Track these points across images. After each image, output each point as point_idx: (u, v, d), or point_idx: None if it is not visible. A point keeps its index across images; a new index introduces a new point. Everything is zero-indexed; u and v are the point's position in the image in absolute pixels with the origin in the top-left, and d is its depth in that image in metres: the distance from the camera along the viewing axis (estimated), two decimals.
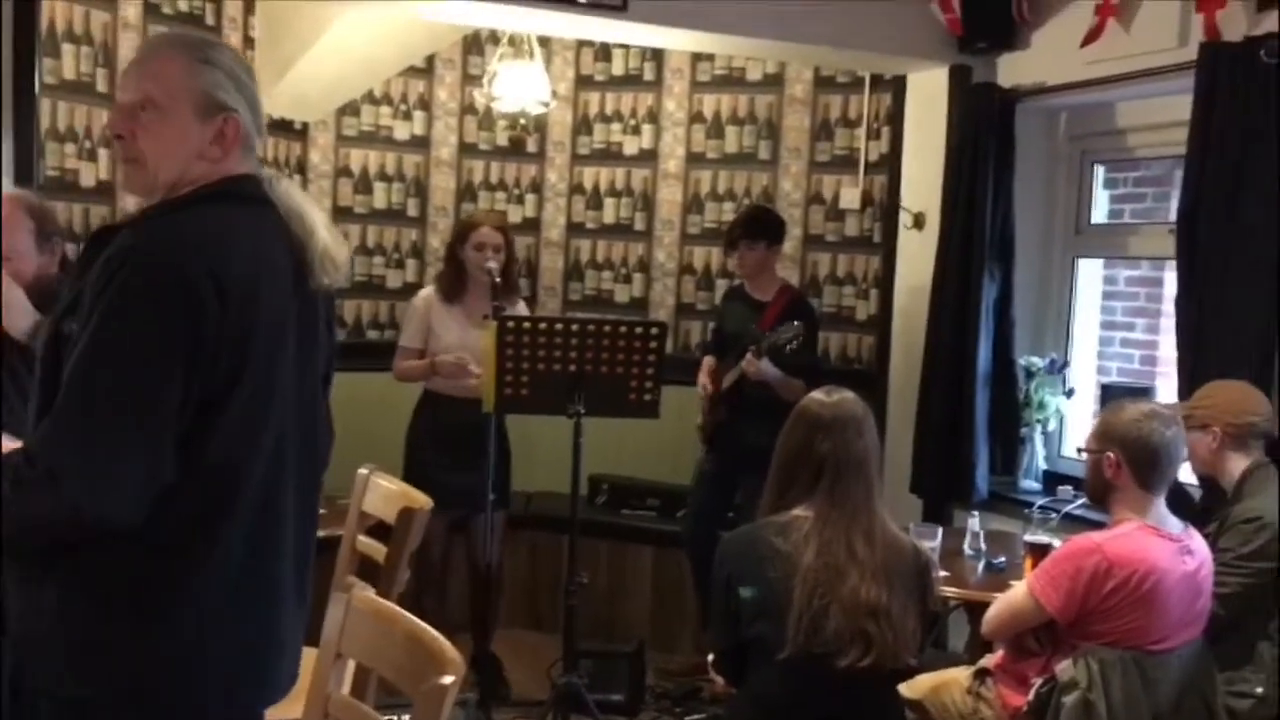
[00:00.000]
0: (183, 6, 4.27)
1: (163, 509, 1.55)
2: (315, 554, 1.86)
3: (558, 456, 3.51)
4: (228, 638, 1.64)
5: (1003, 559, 3.45)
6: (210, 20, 4.41)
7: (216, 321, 1.54)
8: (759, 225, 4.36)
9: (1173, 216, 3.52)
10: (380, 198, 5.17)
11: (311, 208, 1.73)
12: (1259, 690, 2.80)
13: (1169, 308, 3.63)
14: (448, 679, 1.47)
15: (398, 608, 1.72)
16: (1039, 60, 4.13)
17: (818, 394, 2.63)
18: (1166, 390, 3.93)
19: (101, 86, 3.86)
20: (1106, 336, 4.62)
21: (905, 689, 2.76)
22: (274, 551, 1.71)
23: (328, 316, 1.83)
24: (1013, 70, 4.22)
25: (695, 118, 5.23)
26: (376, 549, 2.51)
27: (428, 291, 4.21)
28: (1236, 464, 2.97)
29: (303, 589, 1.81)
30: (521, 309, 4.21)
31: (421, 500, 2.41)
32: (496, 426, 4.07)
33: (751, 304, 4.37)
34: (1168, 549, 2.59)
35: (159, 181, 1.67)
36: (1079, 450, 2.83)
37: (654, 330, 3.44)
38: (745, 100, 5.17)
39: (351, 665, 1.96)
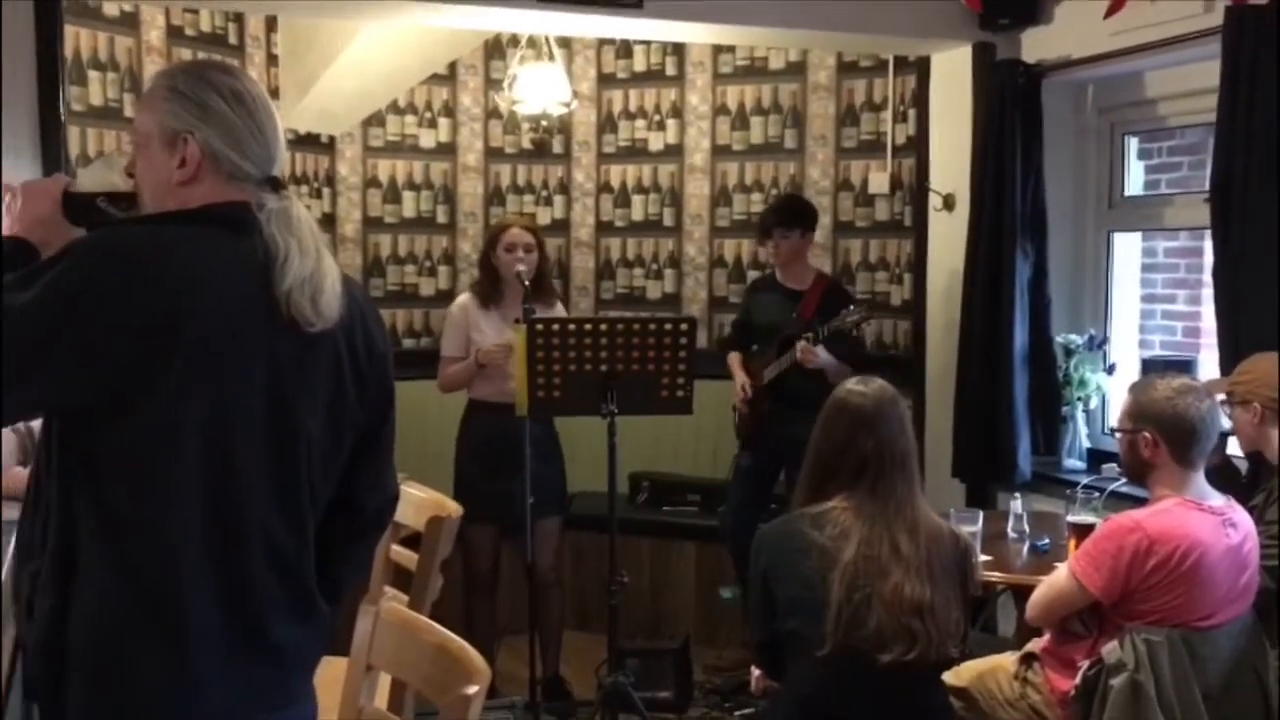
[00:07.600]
0: (205, 28, 4.32)
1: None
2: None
3: (597, 456, 3.51)
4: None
5: (1046, 540, 3.40)
6: (233, 40, 4.46)
7: (142, 322, 1.46)
8: (793, 213, 4.33)
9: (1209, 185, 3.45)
10: (409, 206, 5.20)
11: (302, 239, 1.57)
12: None
13: (1210, 278, 3.56)
14: (472, 689, 1.47)
15: (424, 618, 1.72)
16: (1063, 33, 4.06)
17: (852, 384, 2.60)
18: (1209, 362, 3.86)
19: (129, 111, 3.92)
20: (1147, 310, 4.54)
21: (950, 677, 2.72)
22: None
23: (356, 365, 1.64)
24: (1037, 45, 4.16)
25: (719, 110, 5.20)
26: (411, 558, 2.52)
27: (464, 298, 4.20)
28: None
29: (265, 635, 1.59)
30: (559, 311, 4.21)
31: (451, 508, 2.42)
32: (547, 431, 4.10)
33: (786, 293, 4.33)
34: (1209, 523, 2.54)
35: (150, 213, 1.66)
36: (1112, 431, 2.78)
37: (683, 326, 3.42)
38: (769, 90, 5.14)
39: (387, 679, 1.97)
